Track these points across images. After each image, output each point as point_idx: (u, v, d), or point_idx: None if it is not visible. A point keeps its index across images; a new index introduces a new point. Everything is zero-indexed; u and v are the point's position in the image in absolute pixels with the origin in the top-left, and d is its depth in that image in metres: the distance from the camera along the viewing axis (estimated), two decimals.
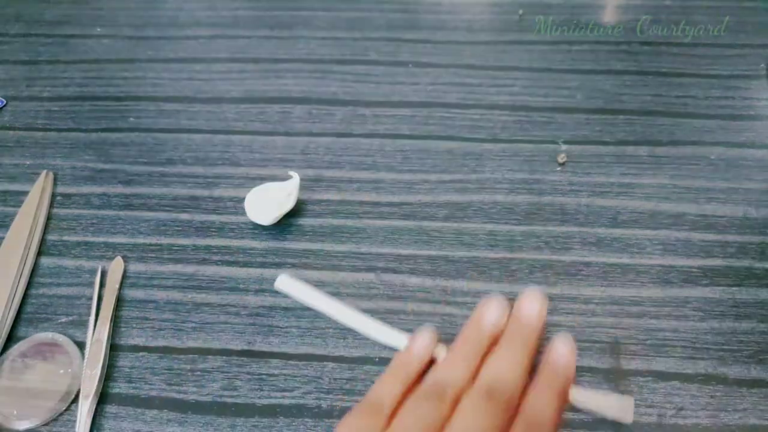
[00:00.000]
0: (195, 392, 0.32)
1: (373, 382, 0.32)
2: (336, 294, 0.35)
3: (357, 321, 0.33)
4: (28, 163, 0.42)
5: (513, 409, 0.27)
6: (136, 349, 0.33)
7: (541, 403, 0.27)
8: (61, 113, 0.45)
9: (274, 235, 0.37)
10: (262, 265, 0.36)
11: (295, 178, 0.37)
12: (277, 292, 0.35)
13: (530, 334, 0.30)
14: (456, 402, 0.27)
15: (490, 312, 0.30)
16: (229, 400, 0.32)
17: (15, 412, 0.31)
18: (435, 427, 0.26)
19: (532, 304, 0.31)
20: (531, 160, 0.40)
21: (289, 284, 0.34)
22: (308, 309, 0.34)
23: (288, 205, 0.37)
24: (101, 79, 0.47)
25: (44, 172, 0.41)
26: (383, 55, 0.47)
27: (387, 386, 0.28)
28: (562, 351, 0.29)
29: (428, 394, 0.27)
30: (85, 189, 0.40)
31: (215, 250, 0.37)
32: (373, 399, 0.28)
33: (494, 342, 0.30)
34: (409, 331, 0.32)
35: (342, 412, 0.31)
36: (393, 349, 0.33)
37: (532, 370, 0.29)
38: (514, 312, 0.31)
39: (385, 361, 0.32)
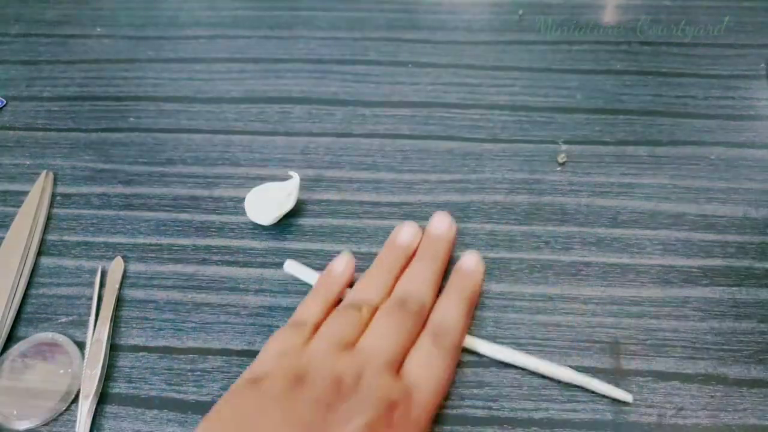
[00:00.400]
0: (195, 392, 0.32)
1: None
2: None
3: None
4: (28, 163, 0.42)
5: (425, 316, 0.30)
6: (136, 349, 0.33)
7: (448, 307, 0.31)
8: (61, 113, 0.45)
9: (274, 235, 0.37)
10: (262, 265, 0.36)
11: (295, 178, 0.37)
12: (277, 292, 0.35)
13: (439, 248, 0.33)
14: (373, 315, 0.30)
15: (403, 234, 0.34)
16: None
17: (15, 412, 0.31)
18: (353, 334, 0.29)
19: (441, 222, 0.34)
20: (531, 160, 0.40)
21: (297, 268, 0.35)
22: None
23: (288, 205, 0.37)
24: (101, 79, 0.47)
25: (44, 172, 0.41)
26: (383, 55, 0.47)
27: (310, 306, 0.31)
28: (468, 261, 0.33)
29: (345, 310, 0.31)
30: (85, 189, 0.40)
31: (215, 250, 0.37)
32: (297, 318, 0.31)
33: (409, 261, 0.33)
34: None
35: None
36: None
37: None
38: (425, 231, 0.34)
39: None
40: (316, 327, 0.30)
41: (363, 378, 0.27)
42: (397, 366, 0.28)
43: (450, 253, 0.34)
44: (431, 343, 0.29)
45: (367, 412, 0.25)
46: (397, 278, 0.32)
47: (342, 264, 0.33)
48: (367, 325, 0.30)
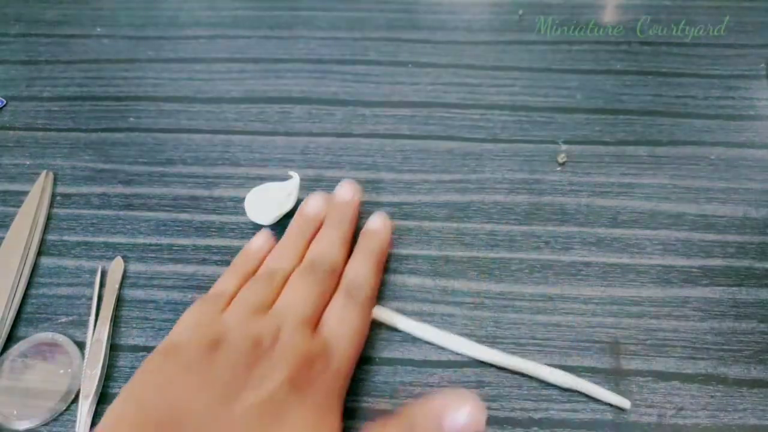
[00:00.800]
0: None
1: (373, 382, 0.32)
2: None
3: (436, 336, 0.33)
4: (28, 163, 0.42)
5: (337, 276, 0.31)
6: (136, 349, 0.33)
7: (358, 266, 0.32)
8: (61, 113, 0.45)
9: (274, 235, 0.37)
10: None
11: (295, 178, 0.37)
12: None
13: (346, 212, 0.35)
14: (286, 281, 0.31)
15: (311, 203, 0.35)
16: None
17: (15, 412, 0.31)
18: (268, 299, 0.30)
19: (346, 189, 0.36)
20: (531, 160, 0.40)
21: (386, 314, 0.33)
22: None
23: (288, 205, 0.37)
24: (101, 79, 0.47)
25: (44, 172, 0.41)
26: (383, 55, 0.47)
27: (226, 280, 0.32)
28: (375, 222, 0.35)
29: (259, 278, 0.32)
30: (85, 189, 0.40)
31: (215, 250, 0.37)
32: (213, 291, 0.32)
33: (318, 229, 0.34)
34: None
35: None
36: (395, 347, 0.33)
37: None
38: (331, 199, 0.35)
39: (385, 361, 0.32)
40: (232, 298, 0.30)
41: (280, 337, 0.27)
42: (314, 324, 0.29)
43: (356, 217, 0.35)
44: (344, 299, 0.30)
45: (286, 368, 0.26)
46: (308, 245, 0.33)
47: (260, 241, 0.34)
48: (281, 289, 0.30)
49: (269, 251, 0.34)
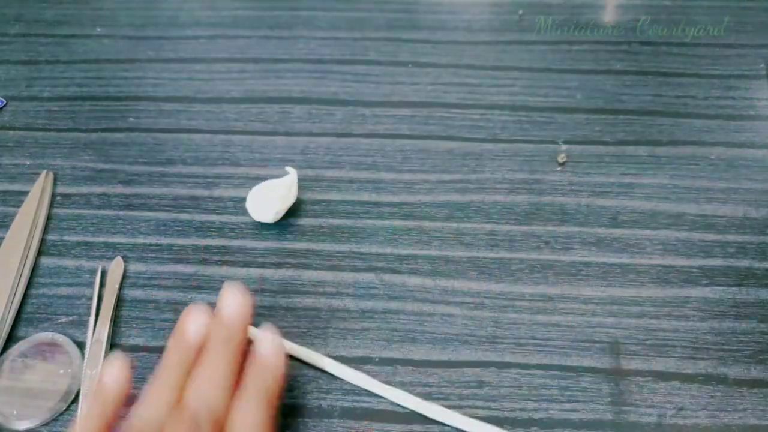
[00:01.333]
0: None
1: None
2: (336, 294, 0.35)
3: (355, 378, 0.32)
4: (28, 163, 0.42)
5: (221, 424, 0.26)
6: (136, 349, 0.33)
7: (247, 415, 0.26)
8: (61, 113, 0.45)
9: (274, 235, 0.37)
10: (262, 265, 0.36)
11: (293, 172, 0.37)
12: (277, 292, 0.35)
13: (232, 334, 0.28)
14: None
15: (191, 322, 0.29)
16: None
17: (15, 412, 0.31)
18: None
19: (231, 301, 0.29)
20: (531, 160, 0.40)
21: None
22: (308, 308, 0.35)
23: (290, 199, 0.37)
24: (101, 79, 0.47)
25: (44, 172, 0.41)
26: (383, 55, 0.47)
27: (88, 426, 0.26)
28: (266, 348, 0.28)
29: None
30: (85, 189, 0.40)
31: (215, 250, 0.37)
32: None
33: (201, 350, 0.28)
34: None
35: (342, 412, 0.31)
36: (395, 347, 0.33)
37: (242, 369, 0.28)
38: (215, 313, 0.29)
39: (385, 361, 0.32)
40: None
41: None
42: None
43: (245, 333, 0.29)
44: None
45: None
46: (187, 377, 0.28)
47: (112, 375, 0.27)
48: None
49: (126, 387, 0.28)
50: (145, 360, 0.33)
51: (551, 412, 0.31)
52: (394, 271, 0.36)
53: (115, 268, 0.36)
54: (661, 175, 0.39)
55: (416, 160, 0.41)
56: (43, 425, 0.31)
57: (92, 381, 0.31)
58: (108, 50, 0.49)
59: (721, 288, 0.35)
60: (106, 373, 0.27)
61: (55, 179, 0.41)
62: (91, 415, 0.27)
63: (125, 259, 0.37)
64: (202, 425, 0.26)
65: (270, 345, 0.28)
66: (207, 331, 0.29)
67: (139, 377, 0.32)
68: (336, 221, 0.38)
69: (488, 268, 0.36)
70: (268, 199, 0.37)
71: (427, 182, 0.40)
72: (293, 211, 0.38)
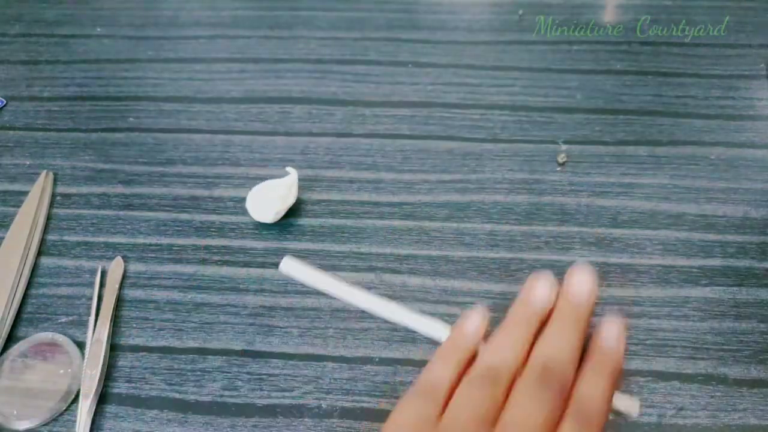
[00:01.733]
0: (195, 392, 0.32)
1: (372, 383, 0.32)
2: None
3: (366, 301, 0.31)
4: (28, 163, 0.42)
5: (566, 394, 0.26)
6: (136, 349, 0.33)
7: (591, 391, 0.26)
8: (61, 113, 0.45)
9: (274, 235, 0.37)
10: (262, 265, 0.36)
11: (293, 173, 0.37)
12: (277, 292, 0.35)
13: (581, 312, 0.29)
14: (509, 386, 0.26)
15: (539, 290, 0.29)
16: (229, 400, 0.32)
17: (15, 412, 0.31)
18: (489, 417, 0.25)
19: (581, 280, 0.29)
20: (531, 160, 0.40)
21: (294, 267, 0.31)
22: (308, 308, 0.35)
23: (290, 199, 0.37)
24: (101, 79, 0.47)
25: (44, 172, 0.41)
26: (383, 55, 0.47)
27: (439, 370, 0.27)
28: (612, 337, 0.28)
29: (482, 379, 0.27)
30: (85, 189, 0.40)
31: (215, 250, 0.37)
32: (425, 385, 0.27)
33: (544, 321, 0.29)
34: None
35: (342, 412, 0.31)
36: (395, 347, 0.33)
37: (583, 350, 0.28)
38: (563, 289, 0.29)
39: (385, 361, 0.32)
40: (448, 395, 0.26)
41: None
42: None
43: (591, 315, 0.29)
44: (576, 429, 0.25)
45: None
46: (532, 340, 0.28)
47: (475, 321, 0.29)
48: (505, 395, 0.26)
49: (483, 334, 0.29)
50: (145, 360, 0.33)
51: None
52: (394, 271, 0.36)
53: (115, 268, 0.36)
54: (661, 175, 0.39)
55: (416, 160, 0.41)
56: (43, 425, 0.31)
57: (92, 381, 0.31)
58: (108, 50, 0.49)
59: (721, 288, 0.34)
60: (468, 319, 0.29)
61: (55, 179, 0.41)
62: (445, 356, 0.28)
63: (125, 259, 0.37)
64: (552, 381, 0.26)
65: (615, 332, 0.28)
66: (553, 302, 0.29)
67: (140, 377, 0.32)
68: (336, 221, 0.38)
69: (488, 268, 0.36)
70: (268, 199, 0.37)
71: (427, 182, 0.40)
72: (293, 211, 0.38)
